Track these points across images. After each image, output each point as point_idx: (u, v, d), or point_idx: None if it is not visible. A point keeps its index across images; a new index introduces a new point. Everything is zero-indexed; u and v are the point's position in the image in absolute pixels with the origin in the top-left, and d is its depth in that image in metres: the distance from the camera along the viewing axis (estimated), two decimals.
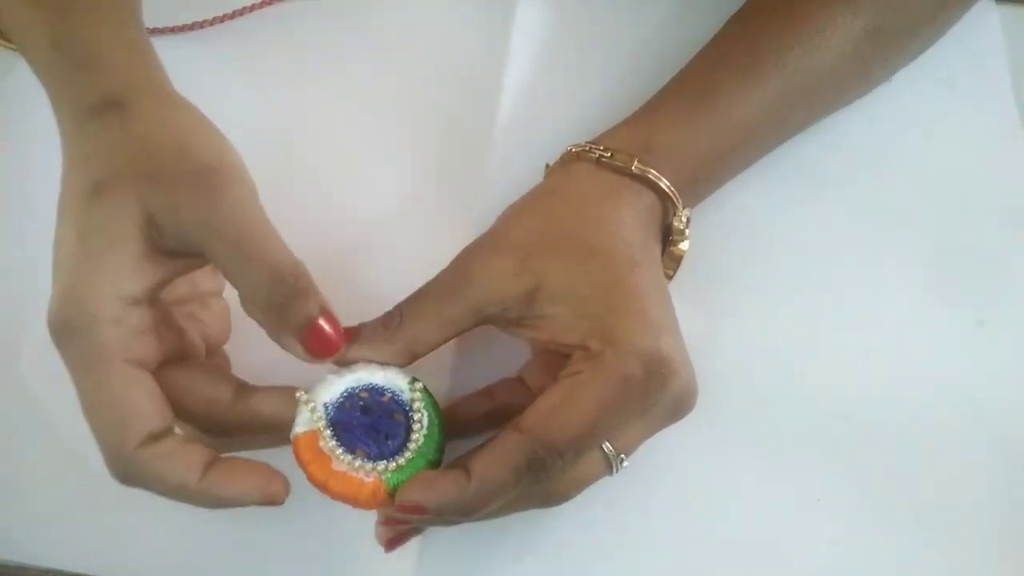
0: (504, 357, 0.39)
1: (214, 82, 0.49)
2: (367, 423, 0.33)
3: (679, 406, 0.34)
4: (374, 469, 0.32)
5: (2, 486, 0.39)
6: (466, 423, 0.37)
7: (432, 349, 0.34)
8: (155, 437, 0.30)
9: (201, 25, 0.50)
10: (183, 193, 0.31)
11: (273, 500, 0.31)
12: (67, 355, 0.30)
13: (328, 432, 0.32)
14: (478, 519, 0.33)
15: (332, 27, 0.51)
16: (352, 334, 0.34)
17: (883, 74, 0.46)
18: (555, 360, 0.35)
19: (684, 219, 0.38)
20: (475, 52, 0.50)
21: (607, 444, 0.33)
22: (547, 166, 0.41)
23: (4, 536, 0.38)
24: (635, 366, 0.32)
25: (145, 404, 0.30)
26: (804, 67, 0.40)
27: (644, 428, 0.34)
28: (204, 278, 0.37)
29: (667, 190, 0.37)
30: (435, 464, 0.33)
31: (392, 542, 0.35)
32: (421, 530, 0.36)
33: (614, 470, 0.34)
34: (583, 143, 0.39)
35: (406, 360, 0.34)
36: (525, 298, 0.34)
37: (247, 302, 0.31)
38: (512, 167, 0.45)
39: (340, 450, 0.32)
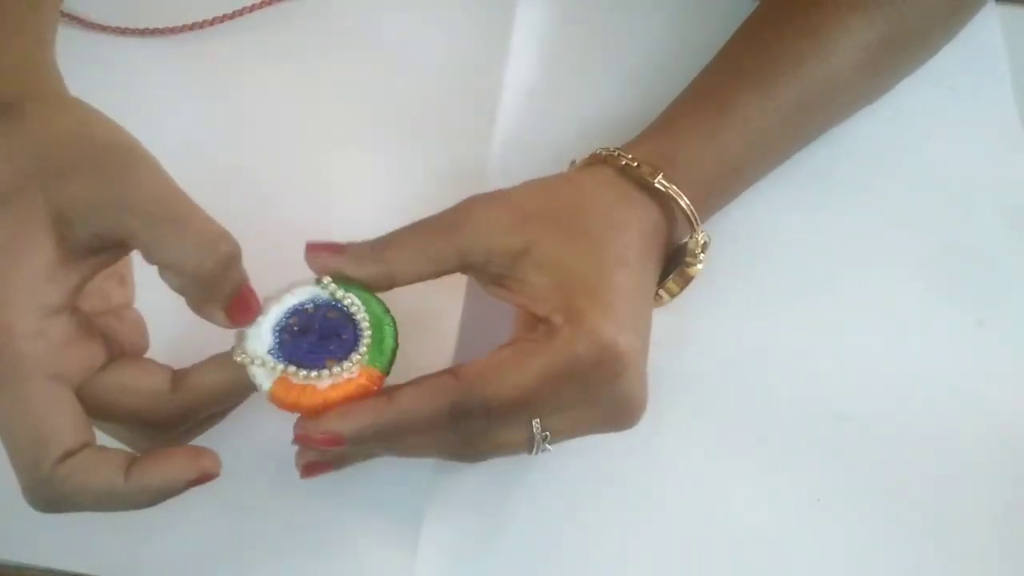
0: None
1: (214, 82, 0.49)
2: (315, 338, 0.33)
3: (622, 411, 0.33)
4: (352, 364, 0.32)
5: (2, 486, 0.39)
6: None
7: (411, 281, 0.34)
8: (71, 453, 0.29)
9: (201, 25, 0.50)
10: (91, 178, 0.30)
11: (207, 474, 0.31)
12: None
13: (292, 368, 0.32)
14: (400, 454, 0.33)
15: (332, 27, 0.51)
16: (337, 248, 0.34)
17: (894, 81, 0.46)
18: None
19: (700, 243, 0.38)
20: (475, 52, 0.50)
21: (536, 422, 0.32)
22: (573, 162, 0.41)
23: (4, 536, 0.38)
24: (586, 348, 0.31)
25: (63, 422, 0.29)
26: (820, 77, 0.40)
27: (580, 420, 0.33)
28: (114, 291, 0.36)
29: (686, 208, 0.37)
30: (394, 322, 0.34)
31: (309, 469, 0.34)
32: (339, 466, 0.36)
33: (534, 451, 0.33)
34: (611, 148, 0.39)
35: (384, 284, 0.34)
36: (512, 255, 0.34)
37: (173, 275, 0.30)
38: (512, 167, 0.45)
39: (314, 373, 0.32)
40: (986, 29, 0.50)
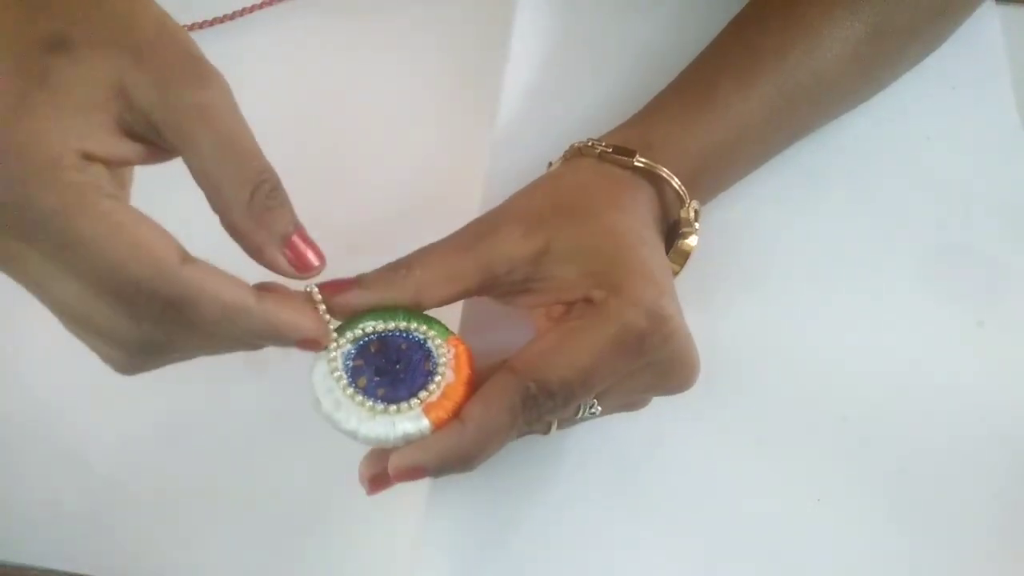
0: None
1: None
2: (401, 367, 0.32)
3: (675, 372, 0.33)
4: (441, 347, 0.33)
5: (2, 486, 0.39)
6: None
7: (439, 303, 0.34)
8: (190, 259, 0.27)
9: (201, 25, 0.50)
10: (171, 73, 0.28)
11: (321, 340, 0.31)
12: (42, 208, 0.25)
13: (423, 394, 0.31)
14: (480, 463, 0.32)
15: (332, 28, 0.51)
16: (354, 283, 0.33)
17: (885, 76, 0.46)
18: None
19: (692, 211, 0.38)
20: (475, 52, 0.50)
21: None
22: (549, 164, 0.41)
23: (4, 536, 0.38)
24: (636, 316, 0.31)
25: (161, 231, 0.27)
26: (803, 66, 0.40)
27: (635, 387, 0.34)
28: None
29: (668, 179, 0.37)
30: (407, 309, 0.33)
31: (375, 484, 0.33)
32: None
33: (580, 415, 0.33)
34: (585, 140, 0.39)
35: (412, 308, 0.33)
36: (532, 259, 0.34)
37: (225, 205, 0.29)
38: (512, 167, 0.44)
39: (437, 378, 0.32)
40: (986, 29, 0.50)
